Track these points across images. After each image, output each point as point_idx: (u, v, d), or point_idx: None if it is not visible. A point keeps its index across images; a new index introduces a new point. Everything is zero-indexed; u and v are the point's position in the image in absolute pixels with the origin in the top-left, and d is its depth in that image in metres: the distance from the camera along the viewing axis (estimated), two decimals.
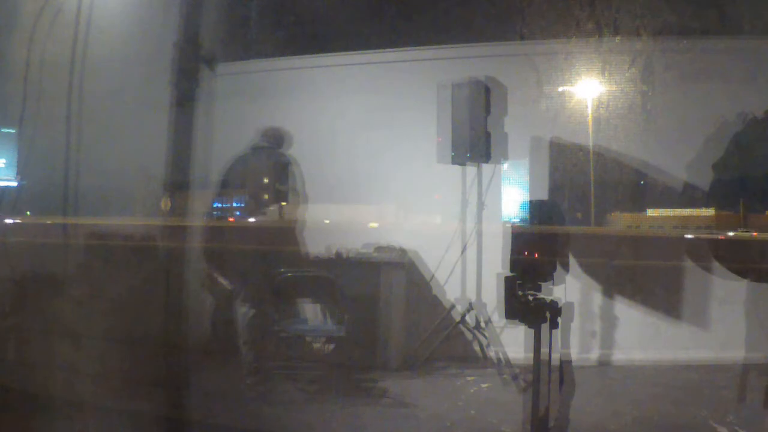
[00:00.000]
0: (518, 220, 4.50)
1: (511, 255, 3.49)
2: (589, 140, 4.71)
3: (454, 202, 5.00)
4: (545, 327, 3.13)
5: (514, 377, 4.38)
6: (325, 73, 5.38)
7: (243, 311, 4.34)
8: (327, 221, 5.00)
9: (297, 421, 3.81)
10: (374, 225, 5.08)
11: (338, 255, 4.74)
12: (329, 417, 3.76)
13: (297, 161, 4.71)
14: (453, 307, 4.83)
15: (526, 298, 3.20)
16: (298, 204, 4.70)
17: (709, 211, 4.32)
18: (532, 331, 3.15)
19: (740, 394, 4.02)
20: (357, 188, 5.01)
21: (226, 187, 4.71)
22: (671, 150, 4.60)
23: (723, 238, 4.01)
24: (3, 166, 5.00)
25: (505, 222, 4.72)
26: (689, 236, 4.50)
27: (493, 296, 4.75)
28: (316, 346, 4.33)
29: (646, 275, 4.70)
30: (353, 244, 4.87)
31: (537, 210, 3.99)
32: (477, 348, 4.80)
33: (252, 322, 4.29)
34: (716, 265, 4.35)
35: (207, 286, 4.70)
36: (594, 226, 4.80)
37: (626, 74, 4.52)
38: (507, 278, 3.34)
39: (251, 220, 4.67)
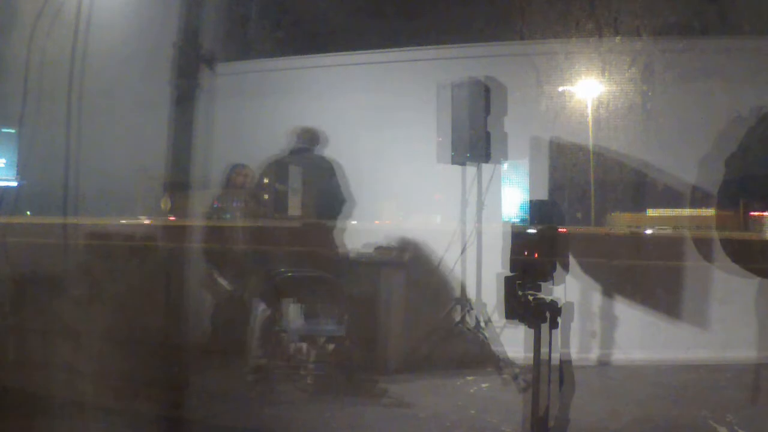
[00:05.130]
0: (518, 220, 4.50)
1: (511, 255, 3.49)
2: (589, 140, 4.71)
3: (454, 202, 5.00)
4: (545, 327, 3.13)
5: (514, 377, 4.38)
6: (325, 73, 5.38)
7: (243, 311, 4.35)
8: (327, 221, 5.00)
9: (297, 421, 3.81)
10: (374, 225, 5.07)
11: (338, 255, 4.74)
12: (329, 417, 3.75)
13: (338, 162, 4.70)
14: (453, 307, 4.83)
15: (526, 298, 3.20)
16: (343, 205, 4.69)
17: (709, 211, 4.32)
18: (532, 331, 3.15)
19: (740, 394, 4.03)
20: (357, 188, 5.01)
21: (264, 188, 4.67)
22: (671, 150, 4.60)
23: (723, 237, 4.02)
24: (3, 166, 4.99)
25: (505, 222, 4.72)
26: (689, 236, 4.51)
27: (493, 296, 4.76)
28: (316, 346, 4.33)
29: (646, 275, 4.70)
30: (353, 244, 4.86)
31: (537, 210, 4.00)
32: (477, 348, 4.79)
33: (252, 322, 4.29)
34: (716, 264, 4.35)
35: (207, 286, 4.71)
36: (594, 226, 4.80)
37: (626, 74, 4.52)
38: (507, 278, 3.34)
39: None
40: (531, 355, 3.16)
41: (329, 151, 4.87)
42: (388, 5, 5.16)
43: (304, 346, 4.27)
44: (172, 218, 4.72)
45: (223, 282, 4.65)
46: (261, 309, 4.32)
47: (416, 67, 5.24)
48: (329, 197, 4.63)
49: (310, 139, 4.70)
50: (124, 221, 5.09)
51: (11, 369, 4.23)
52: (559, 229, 3.80)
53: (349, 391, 4.09)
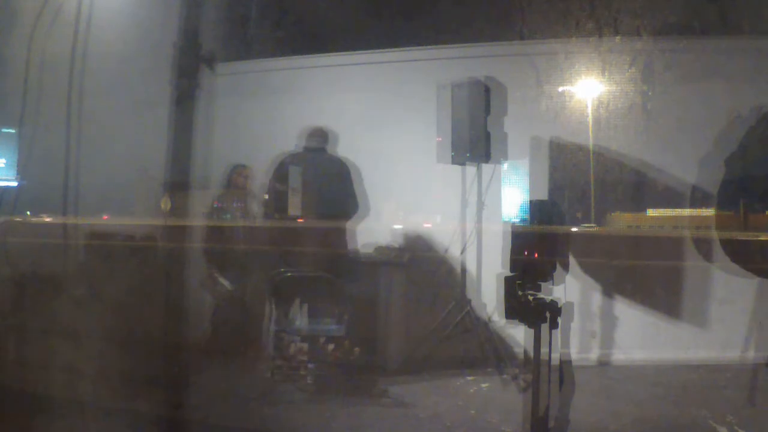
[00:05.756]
0: (518, 220, 4.50)
1: (511, 255, 3.49)
2: (589, 140, 4.71)
3: (454, 202, 5.00)
4: (545, 327, 3.13)
5: (514, 377, 4.38)
6: (325, 73, 5.38)
7: (243, 311, 4.35)
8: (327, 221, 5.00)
9: (297, 421, 3.81)
10: (374, 225, 5.07)
11: (338, 255, 4.74)
12: (329, 417, 3.76)
13: (351, 161, 4.72)
14: (453, 307, 4.83)
15: (526, 298, 3.20)
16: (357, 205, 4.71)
17: (709, 211, 4.32)
18: (532, 331, 3.15)
19: (740, 394, 4.03)
20: (357, 188, 5.00)
21: (277, 187, 4.68)
22: (671, 150, 4.60)
23: (723, 237, 4.02)
24: (3, 166, 4.99)
25: (505, 222, 4.72)
26: (689, 236, 4.51)
27: (493, 296, 4.76)
28: (316, 346, 4.33)
29: (646, 275, 4.70)
30: (353, 244, 4.86)
31: (537, 210, 4.00)
32: (477, 348, 4.79)
33: (252, 322, 4.29)
34: (716, 264, 4.35)
35: (207, 286, 4.71)
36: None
37: (626, 74, 4.52)
38: (507, 278, 3.34)
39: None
40: (531, 355, 3.15)
41: (330, 151, 4.87)
42: (388, 5, 5.16)
43: (305, 346, 4.27)
44: (172, 218, 4.72)
45: (223, 282, 4.65)
46: (261, 309, 4.32)
47: (416, 67, 5.24)
48: (344, 196, 4.64)
49: (323, 138, 4.71)
50: (123, 221, 5.09)
51: (11, 369, 4.23)
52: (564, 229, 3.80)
53: (349, 391, 4.09)
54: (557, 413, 3.48)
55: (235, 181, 4.86)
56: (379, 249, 4.85)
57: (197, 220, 4.79)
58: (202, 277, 4.70)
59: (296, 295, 4.39)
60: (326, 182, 4.65)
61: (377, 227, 5.00)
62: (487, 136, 4.81)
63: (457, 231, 4.96)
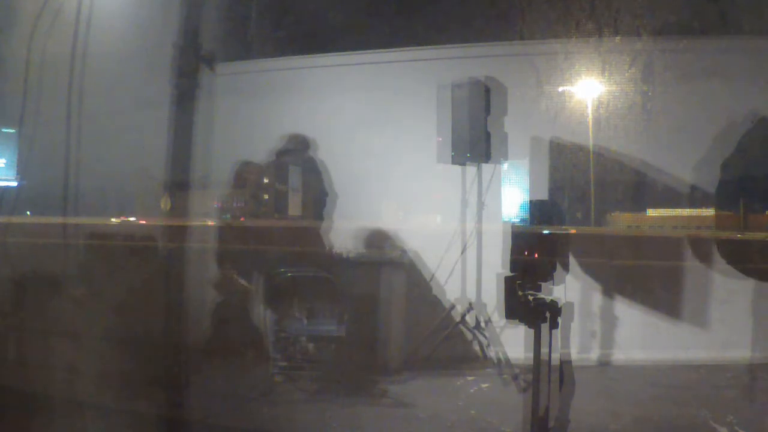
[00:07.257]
0: (518, 220, 4.50)
1: (511, 255, 3.49)
2: (589, 140, 4.71)
3: (454, 202, 5.00)
4: (545, 327, 3.13)
5: (514, 377, 4.38)
6: (325, 73, 5.38)
7: (243, 311, 4.35)
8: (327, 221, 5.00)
9: (297, 421, 3.81)
10: (374, 225, 5.08)
11: (338, 255, 4.74)
12: (329, 417, 3.76)
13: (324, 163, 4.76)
14: (453, 307, 4.83)
15: (526, 298, 3.20)
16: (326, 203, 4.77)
17: (709, 211, 4.32)
18: (532, 331, 3.15)
19: (740, 394, 4.03)
20: (357, 188, 5.01)
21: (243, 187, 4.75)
22: (671, 150, 4.60)
23: (723, 238, 4.02)
24: (3, 166, 4.99)
25: (505, 222, 4.71)
26: (689, 236, 4.51)
27: (493, 296, 4.76)
28: (316, 346, 4.33)
29: (646, 275, 4.70)
30: (353, 244, 4.87)
31: (537, 210, 4.00)
32: (477, 348, 4.80)
33: (252, 322, 4.29)
34: (716, 264, 4.35)
35: (207, 286, 4.71)
36: (594, 226, 4.80)
37: (626, 74, 4.52)
38: (507, 278, 3.34)
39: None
40: (531, 355, 3.16)
41: (329, 152, 4.88)
42: (388, 5, 5.16)
43: (305, 346, 4.27)
44: (173, 219, 4.73)
45: (223, 282, 4.65)
46: (262, 309, 4.32)
47: (416, 67, 5.24)
48: (314, 195, 4.69)
49: (297, 141, 4.76)
50: (119, 220, 5.10)
51: (11, 369, 4.23)
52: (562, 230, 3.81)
53: (349, 391, 4.09)
54: (557, 413, 3.48)
55: (246, 178, 4.88)
56: (379, 249, 4.85)
57: (197, 219, 4.79)
58: (202, 277, 4.70)
59: (297, 295, 4.40)
60: (299, 182, 4.73)
61: (378, 227, 5.00)
62: (487, 136, 4.81)
63: (457, 231, 4.96)
